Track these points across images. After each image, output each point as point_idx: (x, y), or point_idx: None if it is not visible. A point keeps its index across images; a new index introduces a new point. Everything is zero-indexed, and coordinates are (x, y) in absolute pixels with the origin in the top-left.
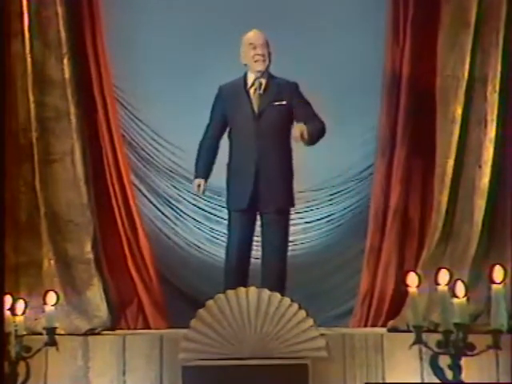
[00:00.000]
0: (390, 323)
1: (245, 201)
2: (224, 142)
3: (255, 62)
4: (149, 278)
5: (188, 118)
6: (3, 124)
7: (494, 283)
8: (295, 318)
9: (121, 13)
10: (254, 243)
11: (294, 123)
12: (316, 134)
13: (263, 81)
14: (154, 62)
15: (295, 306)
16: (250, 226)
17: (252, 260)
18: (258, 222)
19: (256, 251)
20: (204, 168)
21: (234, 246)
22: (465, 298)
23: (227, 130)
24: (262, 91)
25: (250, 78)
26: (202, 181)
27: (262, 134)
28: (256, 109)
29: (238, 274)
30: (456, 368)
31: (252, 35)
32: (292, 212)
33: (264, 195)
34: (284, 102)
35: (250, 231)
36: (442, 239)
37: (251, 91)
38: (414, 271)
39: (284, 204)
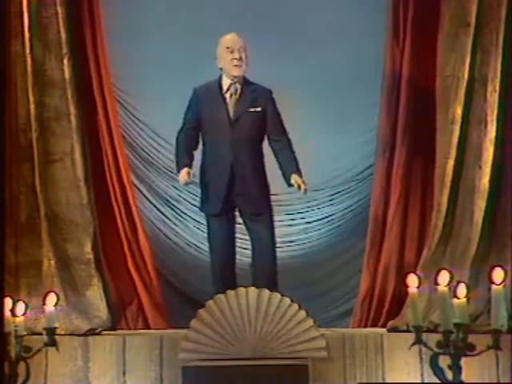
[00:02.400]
0: (390, 323)
1: (218, 205)
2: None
3: (234, 66)
4: (149, 278)
5: None
6: (3, 124)
7: (494, 284)
8: (295, 319)
9: (121, 13)
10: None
11: (292, 176)
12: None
13: (238, 86)
14: (154, 62)
15: (295, 306)
16: (229, 228)
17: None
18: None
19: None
20: (187, 157)
21: (216, 250)
22: (465, 299)
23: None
24: (238, 96)
25: (226, 82)
26: (188, 169)
27: (237, 139)
28: (232, 115)
29: (224, 274)
30: (456, 368)
31: (230, 38)
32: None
33: (238, 200)
34: (259, 109)
35: (231, 234)
36: (442, 239)
37: (227, 96)
38: (414, 272)
39: (260, 209)
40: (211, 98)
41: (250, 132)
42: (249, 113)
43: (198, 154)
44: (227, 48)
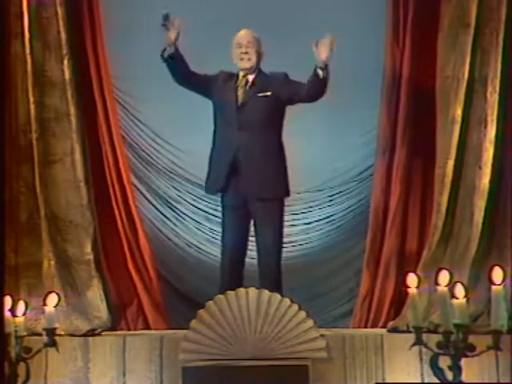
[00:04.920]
0: (390, 324)
1: (221, 181)
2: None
3: (240, 60)
4: (149, 279)
5: (188, 119)
6: (3, 125)
7: (494, 284)
8: (295, 319)
9: (121, 13)
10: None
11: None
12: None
13: (250, 77)
14: (154, 63)
15: (295, 306)
16: (243, 223)
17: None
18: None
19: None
20: None
21: (228, 244)
22: (465, 299)
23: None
24: (248, 87)
25: (241, 76)
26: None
27: (243, 124)
28: (239, 100)
29: (232, 273)
30: (456, 369)
31: (239, 34)
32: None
33: (244, 182)
34: (268, 93)
35: (245, 229)
36: (442, 240)
37: (238, 83)
38: (414, 272)
39: (267, 193)
40: (226, 85)
41: (258, 116)
42: (257, 97)
43: (209, 137)
44: (237, 44)
